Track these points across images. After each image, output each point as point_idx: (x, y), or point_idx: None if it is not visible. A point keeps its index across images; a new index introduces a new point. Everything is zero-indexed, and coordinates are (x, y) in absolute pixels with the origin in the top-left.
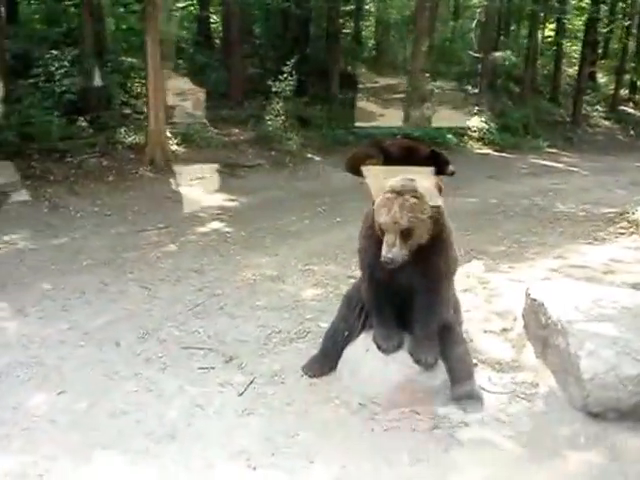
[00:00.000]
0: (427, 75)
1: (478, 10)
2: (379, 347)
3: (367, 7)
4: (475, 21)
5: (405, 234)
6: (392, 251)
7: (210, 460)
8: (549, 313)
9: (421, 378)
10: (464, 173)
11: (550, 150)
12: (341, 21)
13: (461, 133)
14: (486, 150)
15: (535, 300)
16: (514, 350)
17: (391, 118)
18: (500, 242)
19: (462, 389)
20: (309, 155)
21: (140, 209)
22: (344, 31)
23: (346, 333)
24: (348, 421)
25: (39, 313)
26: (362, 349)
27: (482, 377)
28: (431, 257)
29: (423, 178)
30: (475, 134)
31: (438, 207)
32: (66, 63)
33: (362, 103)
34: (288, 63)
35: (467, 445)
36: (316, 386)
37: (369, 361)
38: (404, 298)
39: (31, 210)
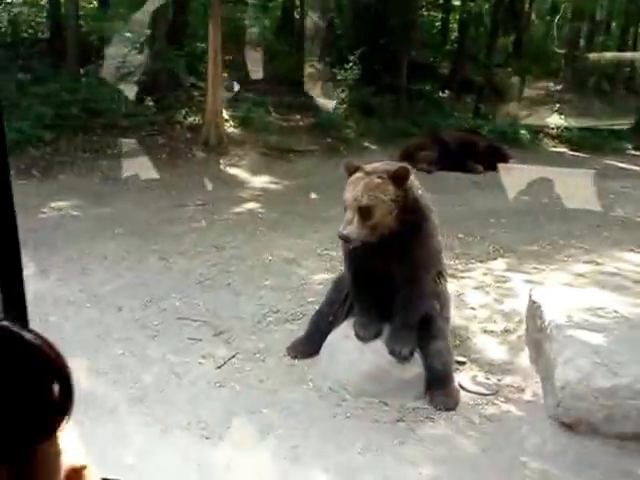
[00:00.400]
0: (509, 70)
1: (563, 5)
2: (357, 335)
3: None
4: (558, 16)
5: (364, 213)
6: (348, 228)
7: (167, 425)
8: (544, 317)
9: (394, 370)
10: (526, 170)
11: (634, 152)
12: (425, 12)
13: (537, 130)
14: (561, 149)
15: (534, 303)
16: (510, 352)
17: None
18: (535, 242)
19: (437, 397)
20: (366, 144)
21: (185, 186)
22: (436, 24)
23: (330, 318)
24: (314, 404)
25: (60, 275)
26: (342, 335)
27: (467, 376)
28: (409, 247)
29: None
30: (553, 132)
31: (406, 193)
32: (137, 45)
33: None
34: (355, 53)
35: (425, 441)
36: (294, 367)
37: (346, 348)
38: (385, 288)
39: (84, 181)
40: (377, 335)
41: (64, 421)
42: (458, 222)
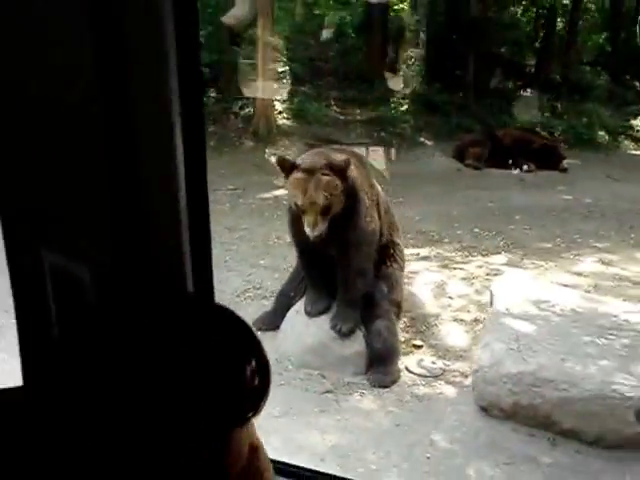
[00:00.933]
0: (599, 69)
1: None
2: (305, 310)
3: None
4: None
5: (324, 212)
6: (316, 229)
7: None
8: (492, 306)
9: (335, 345)
10: (587, 170)
11: None
12: (521, 8)
13: (620, 132)
14: None
15: (491, 293)
16: (471, 340)
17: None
18: (551, 240)
19: (374, 374)
20: (421, 139)
21: (225, 172)
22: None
23: (292, 294)
24: None
25: None
26: (295, 310)
27: (416, 359)
28: (341, 227)
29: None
30: (639, 134)
31: (348, 181)
32: (201, 39)
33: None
34: (417, 47)
35: (345, 412)
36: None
37: (295, 322)
38: (330, 267)
39: None
40: (325, 311)
41: (261, 406)
42: (481, 217)
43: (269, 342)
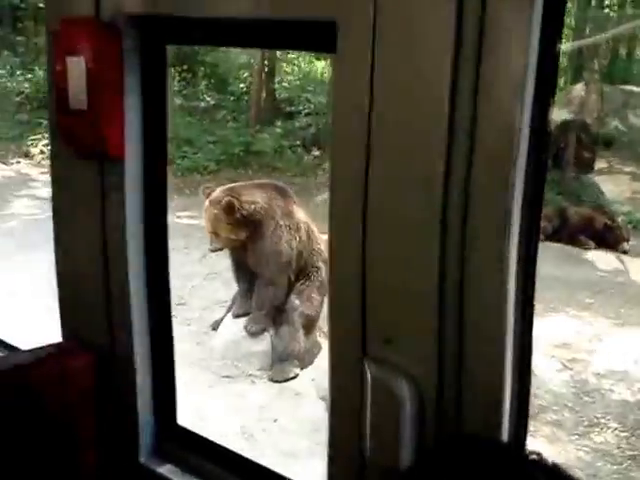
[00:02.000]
0: None
1: None
2: (232, 312)
3: None
4: None
5: (215, 234)
6: (212, 245)
7: None
8: None
9: (245, 342)
10: None
11: None
12: None
13: None
14: None
15: None
16: None
17: None
18: (545, 306)
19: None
20: None
21: None
22: None
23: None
24: (186, 358)
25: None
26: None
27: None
28: (252, 246)
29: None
30: None
31: (234, 214)
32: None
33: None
34: None
35: (227, 391)
36: (206, 334)
37: (225, 322)
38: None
39: None
40: (247, 314)
41: None
42: None
43: (213, 338)
